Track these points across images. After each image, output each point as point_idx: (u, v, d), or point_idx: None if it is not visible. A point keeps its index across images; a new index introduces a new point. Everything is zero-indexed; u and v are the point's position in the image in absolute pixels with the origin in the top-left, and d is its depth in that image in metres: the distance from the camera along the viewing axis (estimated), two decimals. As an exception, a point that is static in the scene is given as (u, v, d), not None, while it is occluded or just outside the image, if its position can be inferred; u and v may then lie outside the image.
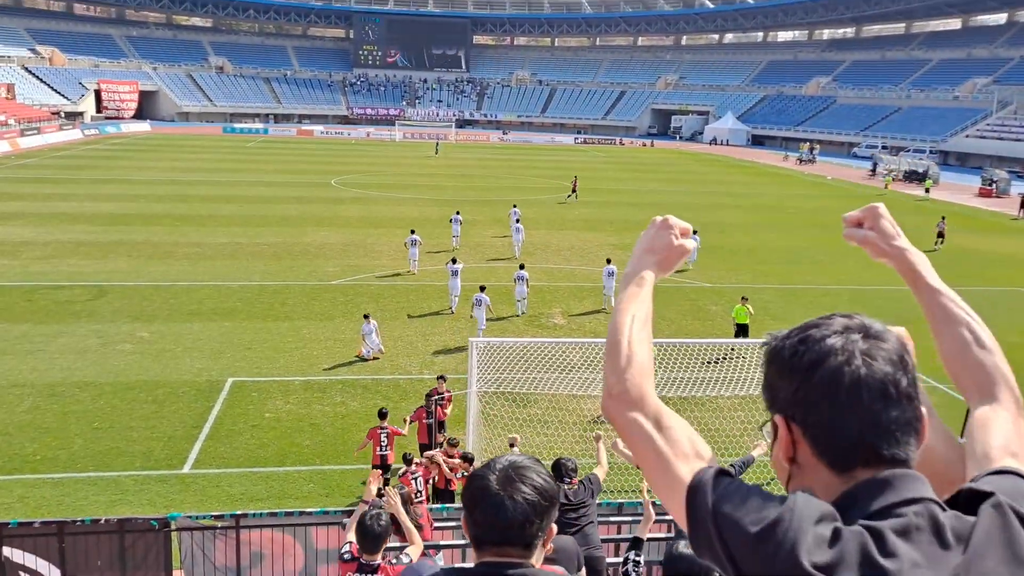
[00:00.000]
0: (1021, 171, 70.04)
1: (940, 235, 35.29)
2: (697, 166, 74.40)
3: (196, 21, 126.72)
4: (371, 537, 5.65)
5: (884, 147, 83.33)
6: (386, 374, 18.10)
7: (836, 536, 1.24)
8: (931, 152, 79.88)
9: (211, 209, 38.46)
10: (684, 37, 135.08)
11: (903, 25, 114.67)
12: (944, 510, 1.32)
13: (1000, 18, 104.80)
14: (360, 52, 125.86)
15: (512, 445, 7.88)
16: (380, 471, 7.06)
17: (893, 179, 62.80)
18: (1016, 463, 1.47)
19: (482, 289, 20.82)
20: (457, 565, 4.92)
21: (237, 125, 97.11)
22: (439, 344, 20.26)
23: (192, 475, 13.28)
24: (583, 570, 5.18)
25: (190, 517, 8.23)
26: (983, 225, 42.80)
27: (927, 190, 56.37)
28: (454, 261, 23.78)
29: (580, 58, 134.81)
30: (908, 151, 79.04)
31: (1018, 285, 28.83)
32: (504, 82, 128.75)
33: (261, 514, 8.34)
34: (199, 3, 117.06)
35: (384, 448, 12.47)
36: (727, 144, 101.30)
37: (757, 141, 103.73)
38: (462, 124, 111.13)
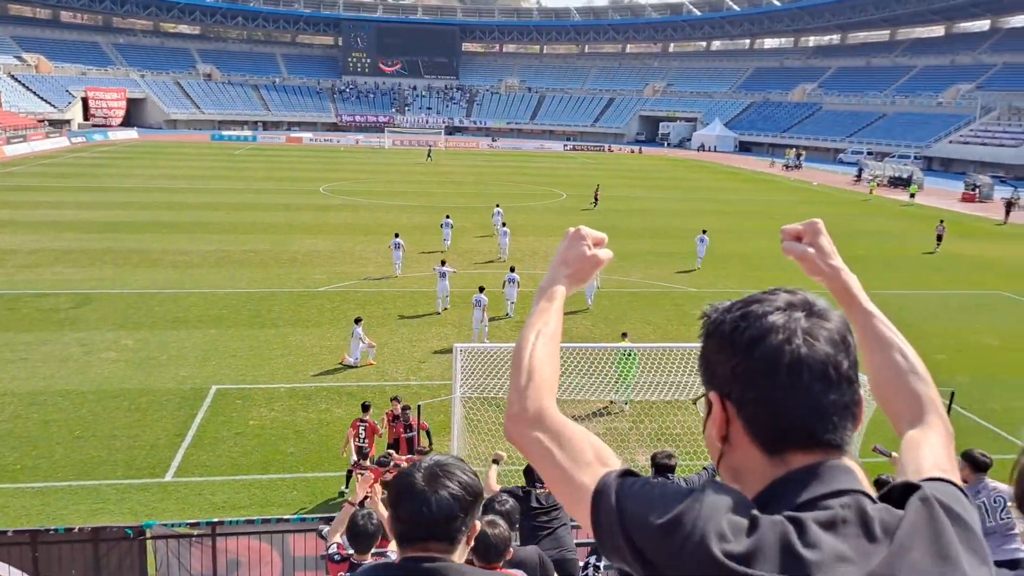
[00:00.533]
0: (1004, 176, 70.60)
1: (939, 238, 35.92)
2: (685, 172, 74.66)
3: (184, 28, 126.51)
4: (364, 537, 5.64)
5: (869, 153, 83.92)
6: (372, 380, 18.06)
7: (754, 525, 1.19)
8: (915, 158, 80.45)
9: (198, 217, 38.33)
10: (671, 44, 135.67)
11: (887, 32, 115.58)
12: (874, 503, 1.28)
13: (983, 25, 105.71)
14: (349, 59, 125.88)
15: (496, 462, 7.87)
16: (371, 475, 7.05)
17: (878, 184, 63.19)
18: (948, 477, 1.45)
19: (481, 290, 20.93)
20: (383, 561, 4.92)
21: (225, 132, 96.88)
22: (426, 349, 20.24)
23: (174, 483, 13.21)
24: None
25: (165, 525, 8.18)
26: (968, 230, 43.07)
27: (912, 195, 56.79)
28: (443, 263, 24.05)
29: (569, 65, 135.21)
30: (893, 157, 79.56)
31: (1000, 289, 29.04)
32: (493, 89, 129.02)
33: (237, 521, 8.30)
34: (187, 11, 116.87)
35: (362, 440, 12.87)
36: (714, 150, 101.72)
37: (744, 147, 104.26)
38: (451, 131, 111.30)
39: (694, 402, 1.48)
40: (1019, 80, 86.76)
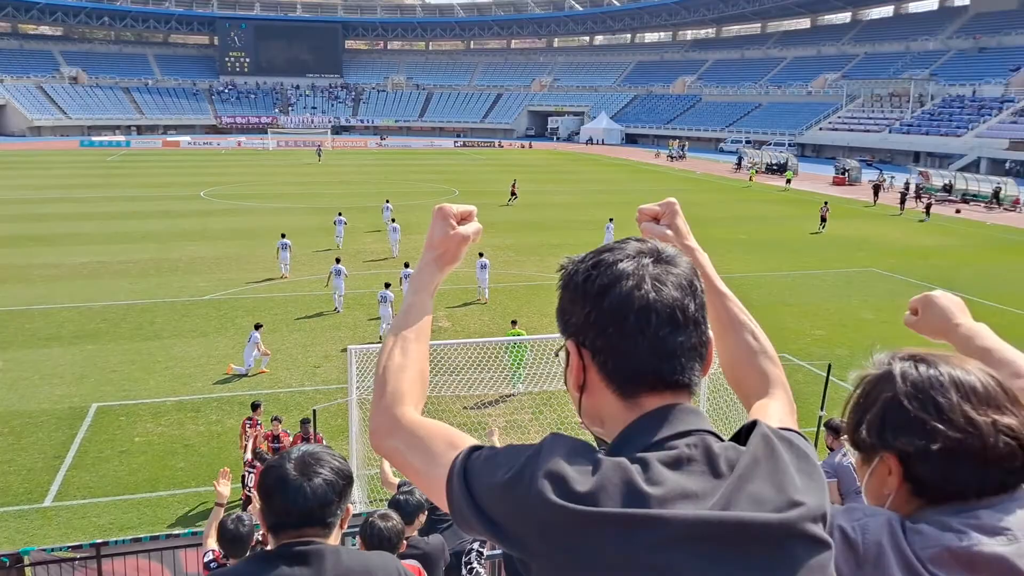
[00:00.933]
0: (870, 160, 74.99)
1: (823, 219, 38.54)
2: (575, 166, 75.88)
3: (45, 30, 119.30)
4: (237, 541, 5.41)
5: (747, 141, 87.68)
6: (265, 388, 17.51)
7: (596, 468, 1.23)
8: (790, 145, 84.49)
9: (70, 228, 36.27)
10: (556, 39, 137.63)
11: (759, 25, 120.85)
12: (721, 441, 1.33)
13: (845, 17, 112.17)
14: (226, 59, 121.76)
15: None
16: (228, 469, 6.82)
17: (757, 171, 66.01)
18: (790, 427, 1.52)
19: (387, 286, 20.92)
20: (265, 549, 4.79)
21: (96, 138, 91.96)
22: (319, 354, 19.80)
23: (55, 508, 12.45)
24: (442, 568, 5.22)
25: (45, 550, 7.68)
26: (840, 212, 45.36)
27: (788, 181, 59.57)
28: (338, 261, 23.83)
29: (455, 62, 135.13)
30: (769, 144, 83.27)
31: (873, 266, 30.82)
32: (379, 87, 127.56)
33: (124, 541, 7.88)
34: (47, 11, 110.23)
35: (250, 438, 12.73)
36: (602, 143, 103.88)
37: (631, 140, 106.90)
38: (338, 131, 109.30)
39: (556, 353, 1.49)
40: (879, 69, 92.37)
